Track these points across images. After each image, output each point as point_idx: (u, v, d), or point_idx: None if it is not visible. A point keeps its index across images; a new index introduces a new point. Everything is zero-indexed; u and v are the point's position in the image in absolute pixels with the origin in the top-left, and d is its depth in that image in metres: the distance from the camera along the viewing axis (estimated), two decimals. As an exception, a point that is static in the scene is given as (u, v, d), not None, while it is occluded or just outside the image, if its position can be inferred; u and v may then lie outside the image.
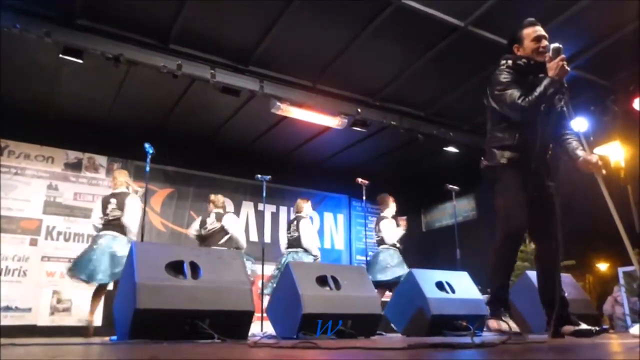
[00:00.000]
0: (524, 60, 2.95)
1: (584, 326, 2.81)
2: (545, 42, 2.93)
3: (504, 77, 2.92)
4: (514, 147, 2.90)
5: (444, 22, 5.51)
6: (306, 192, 9.37)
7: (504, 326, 2.65)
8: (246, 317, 3.37)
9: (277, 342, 2.51)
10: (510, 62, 2.98)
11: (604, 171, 2.90)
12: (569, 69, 2.77)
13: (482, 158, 3.07)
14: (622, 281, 6.35)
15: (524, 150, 2.89)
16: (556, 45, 2.80)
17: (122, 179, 5.45)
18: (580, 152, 2.99)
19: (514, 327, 2.68)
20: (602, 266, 7.22)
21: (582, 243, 6.95)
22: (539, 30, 2.98)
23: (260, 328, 5.59)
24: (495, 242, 2.90)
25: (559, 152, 3.12)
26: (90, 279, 4.86)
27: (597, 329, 2.84)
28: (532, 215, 2.89)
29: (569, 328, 2.80)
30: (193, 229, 6.07)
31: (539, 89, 2.75)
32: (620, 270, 6.43)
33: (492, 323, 2.74)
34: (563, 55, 2.76)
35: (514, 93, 2.82)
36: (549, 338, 2.76)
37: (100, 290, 5.02)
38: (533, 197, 2.87)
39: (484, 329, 2.73)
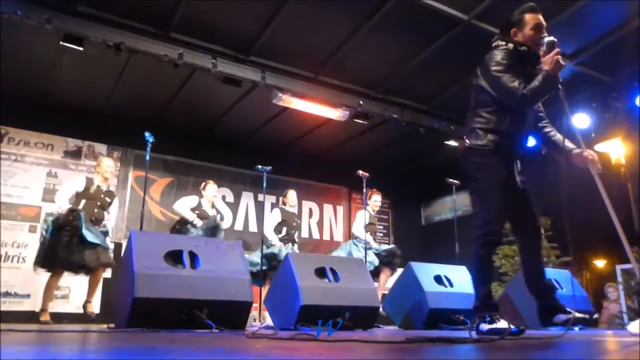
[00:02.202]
0: (524, 48, 2.82)
1: (576, 314, 2.79)
2: (545, 33, 2.82)
3: (503, 57, 2.79)
4: (500, 132, 2.80)
5: (448, 15, 5.48)
6: (306, 184, 9.38)
7: (500, 324, 2.60)
8: (244, 308, 3.39)
9: (275, 333, 2.51)
10: (511, 45, 2.84)
11: (599, 166, 2.81)
12: (564, 63, 2.68)
13: (465, 137, 2.95)
14: (620, 279, 6.36)
15: (509, 136, 2.81)
16: (550, 38, 2.70)
17: (112, 167, 5.57)
18: (570, 145, 2.94)
19: (507, 326, 2.63)
20: (600, 263, 7.23)
21: (580, 240, 6.95)
22: (541, 18, 2.85)
23: (259, 319, 5.60)
24: (474, 249, 2.79)
25: (542, 145, 3.06)
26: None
27: (590, 317, 2.83)
28: (513, 207, 2.83)
29: (561, 317, 2.79)
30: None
31: (537, 81, 2.65)
32: (619, 267, 6.43)
33: (485, 326, 2.62)
34: (558, 49, 2.66)
35: (514, 78, 2.71)
36: (540, 326, 2.77)
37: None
38: (509, 185, 2.79)
39: (479, 329, 2.68)
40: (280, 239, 6.28)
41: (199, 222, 5.81)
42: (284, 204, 6.64)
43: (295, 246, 6.42)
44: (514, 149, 2.86)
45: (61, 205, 5.08)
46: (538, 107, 3.03)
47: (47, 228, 4.85)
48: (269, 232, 6.28)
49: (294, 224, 6.46)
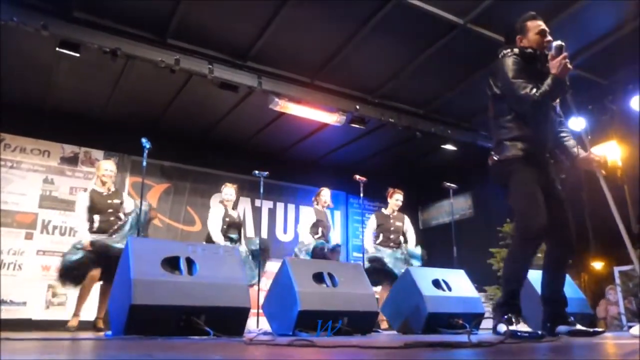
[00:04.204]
0: (530, 50, 2.86)
1: (579, 327, 2.80)
2: (549, 37, 2.87)
3: (513, 63, 2.80)
4: (526, 138, 2.79)
5: (444, 20, 5.50)
6: (303, 189, 9.37)
7: (519, 327, 2.57)
8: (242, 314, 3.37)
9: (273, 339, 2.50)
10: (517, 50, 2.88)
11: (605, 169, 2.86)
12: (571, 67, 2.71)
13: (492, 153, 2.92)
14: (617, 280, 6.36)
15: (535, 141, 2.80)
16: (559, 42, 2.74)
17: (111, 171, 5.20)
18: (578, 150, 2.96)
19: (527, 329, 2.60)
20: (597, 265, 7.24)
21: (577, 242, 6.95)
22: (542, 24, 2.93)
23: (256, 324, 5.57)
24: (512, 244, 2.80)
25: (557, 151, 3.05)
26: None
27: (593, 330, 2.83)
28: (547, 211, 2.77)
29: (564, 328, 2.79)
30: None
31: (547, 86, 2.67)
32: (616, 269, 6.43)
33: (502, 327, 2.61)
34: (565, 54, 2.69)
35: (526, 84, 2.71)
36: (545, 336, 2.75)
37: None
38: (545, 191, 2.77)
39: (496, 329, 2.66)
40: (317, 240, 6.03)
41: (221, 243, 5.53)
42: (317, 203, 6.34)
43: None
44: (543, 153, 2.85)
45: (83, 237, 4.82)
46: (558, 112, 3.03)
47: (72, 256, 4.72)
48: (304, 234, 6.05)
49: (328, 223, 6.20)
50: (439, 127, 7.80)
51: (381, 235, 6.17)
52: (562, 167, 3.00)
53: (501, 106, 2.89)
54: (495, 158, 2.89)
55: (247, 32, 5.80)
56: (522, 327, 2.57)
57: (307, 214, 6.28)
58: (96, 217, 4.96)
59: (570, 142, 3.02)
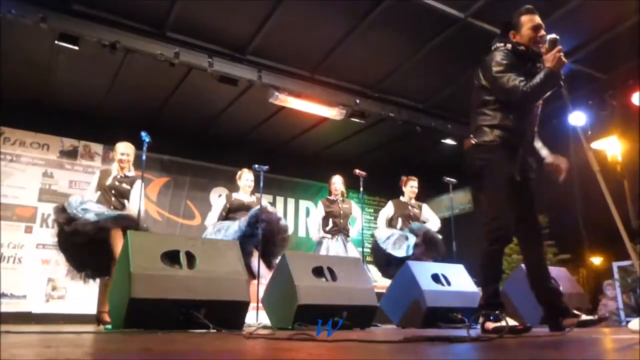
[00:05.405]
0: (523, 47, 2.87)
1: (584, 317, 2.78)
2: (542, 32, 2.86)
3: (503, 58, 2.83)
4: (506, 128, 2.82)
5: (444, 14, 5.48)
6: (303, 183, 9.36)
7: (504, 323, 2.59)
8: (242, 308, 3.37)
9: (272, 333, 2.51)
10: (510, 45, 2.90)
11: (562, 176, 2.88)
12: (565, 60, 2.71)
13: (470, 136, 2.95)
14: (616, 276, 6.38)
15: (515, 132, 2.83)
16: (553, 36, 2.75)
17: (129, 155, 4.98)
18: (544, 152, 3.02)
19: (513, 323, 2.62)
20: (596, 260, 7.26)
21: (577, 237, 6.98)
22: (537, 19, 2.91)
23: (256, 318, 5.58)
24: (483, 247, 2.79)
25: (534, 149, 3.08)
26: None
27: (598, 317, 2.83)
28: (516, 203, 2.82)
29: (569, 321, 2.77)
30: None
31: (539, 78, 2.68)
32: (615, 264, 6.45)
33: (488, 325, 2.63)
34: (560, 47, 2.70)
35: (515, 77, 2.74)
36: (549, 332, 2.75)
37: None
38: (518, 184, 2.81)
39: (478, 327, 2.67)
40: (328, 231, 5.92)
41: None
42: (330, 193, 6.23)
43: (348, 238, 6.02)
44: (519, 144, 2.85)
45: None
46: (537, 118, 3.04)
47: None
48: (312, 230, 6.04)
49: (341, 212, 6.05)
50: (439, 122, 7.80)
51: (400, 221, 5.95)
52: (533, 166, 3.00)
53: (486, 97, 2.92)
54: (473, 142, 2.92)
55: (246, 25, 5.78)
56: (508, 321, 2.59)
57: (317, 209, 6.15)
58: (97, 194, 4.82)
59: (538, 144, 3.07)
